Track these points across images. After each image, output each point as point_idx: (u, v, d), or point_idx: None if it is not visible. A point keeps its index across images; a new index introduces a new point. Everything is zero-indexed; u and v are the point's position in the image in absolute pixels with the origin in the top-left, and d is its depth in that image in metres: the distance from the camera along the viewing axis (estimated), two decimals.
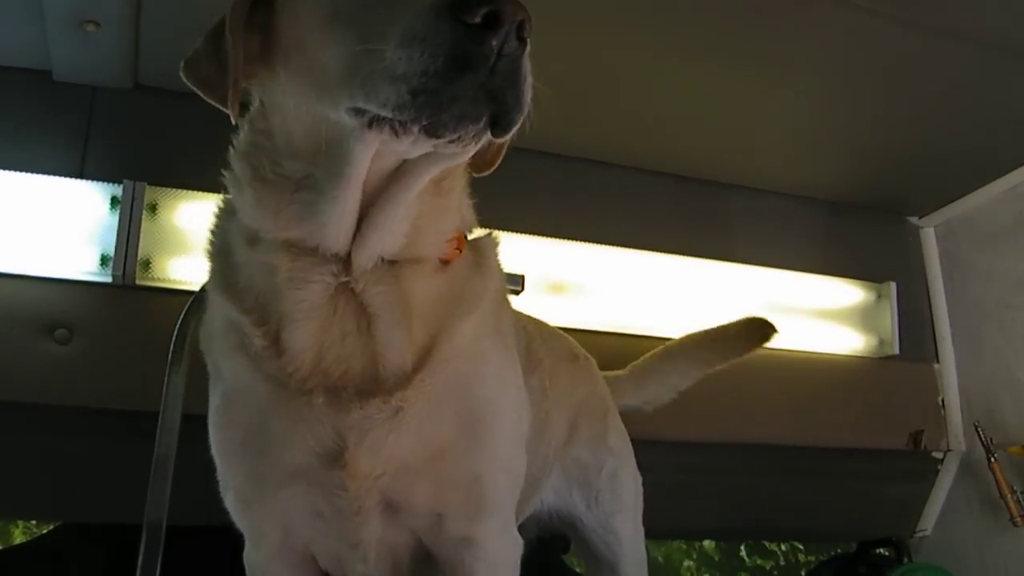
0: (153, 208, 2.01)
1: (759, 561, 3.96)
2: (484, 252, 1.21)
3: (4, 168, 1.93)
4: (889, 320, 2.76)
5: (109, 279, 1.96)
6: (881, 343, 2.76)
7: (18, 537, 3.23)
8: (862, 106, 2.29)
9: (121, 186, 1.98)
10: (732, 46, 2.00)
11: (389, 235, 1.04)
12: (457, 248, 1.13)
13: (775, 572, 3.94)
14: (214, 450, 1.19)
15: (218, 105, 1.05)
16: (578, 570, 2.39)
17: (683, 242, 2.55)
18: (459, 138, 0.86)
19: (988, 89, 2.19)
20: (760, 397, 2.54)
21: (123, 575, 1.74)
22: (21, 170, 1.93)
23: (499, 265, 1.24)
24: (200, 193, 2.06)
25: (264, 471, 1.11)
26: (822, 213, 2.82)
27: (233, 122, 1.05)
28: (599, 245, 2.43)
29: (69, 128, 2.03)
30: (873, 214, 2.90)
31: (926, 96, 2.24)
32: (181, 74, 1.09)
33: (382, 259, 1.05)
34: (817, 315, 2.71)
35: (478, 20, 0.78)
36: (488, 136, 0.87)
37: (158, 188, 2.02)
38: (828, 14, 1.89)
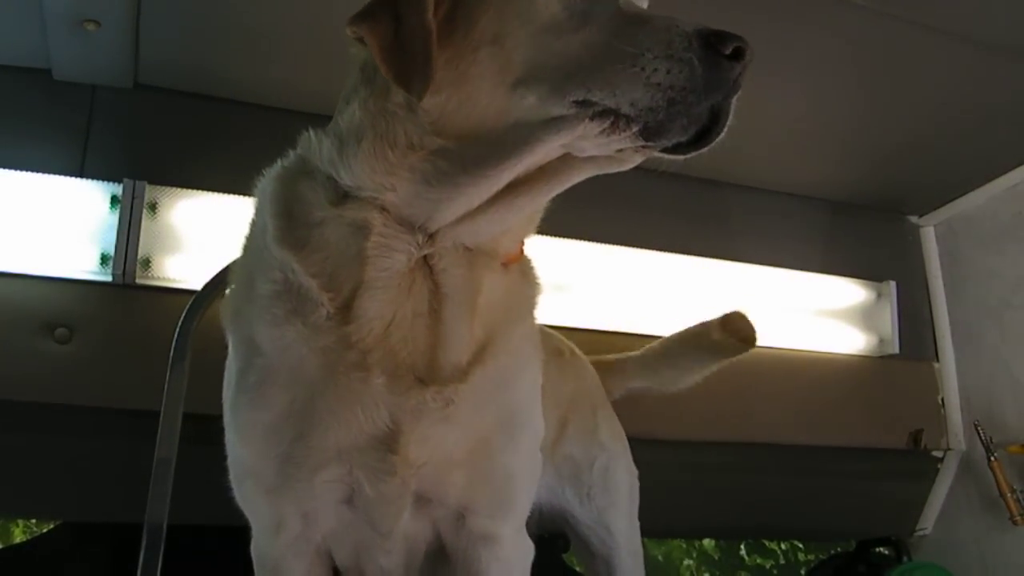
0: (153, 207, 2.01)
1: (759, 560, 3.96)
2: (528, 260, 1.25)
3: (4, 167, 1.93)
4: (889, 319, 2.76)
5: (109, 278, 1.96)
6: (881, 342, 2.76)
7: (18, 536, 3.23)
8: (862, 106, 2.29)
9: (121, 185, 1.98)
10: None
11: (498, 224, 1.08)
12: (517, 254, 1.19)
13: (775, 571, 3.94)
14: (235, 434, 1.15)
15: (393, 80, 0.99)
16: (578, 569, 2.39)
17: (683, 241, 2.55)
18: (666, 146, 0.97)
19: (988, 89, 2.19)
20: (760, 397, 2.54)
21: (123, 575, 1.74)
22: (21, 169, 1.93)
23: (537, 274, 1.27)
24: (200, 192, 2.06)
25: (300, 454, 1.08)
26: (822, 212, 2.83)
27: (418, 101, 0.99)
28: (599, 244, 2.43)
29: (69, 127, 2.03)
30: (873, 213, 2.90)
31: (926, 96, 2.24)
32: (351, 30, 1.02)
33: (462, 244, 1.08)
34: (817, 314, 2.71)
35: (728, 52, 0.93)
36: (654, 152, 1.00)
37: (158, 187, 2.01)
38: (828, 13, 1.89)
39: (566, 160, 1.04)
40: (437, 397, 1.07)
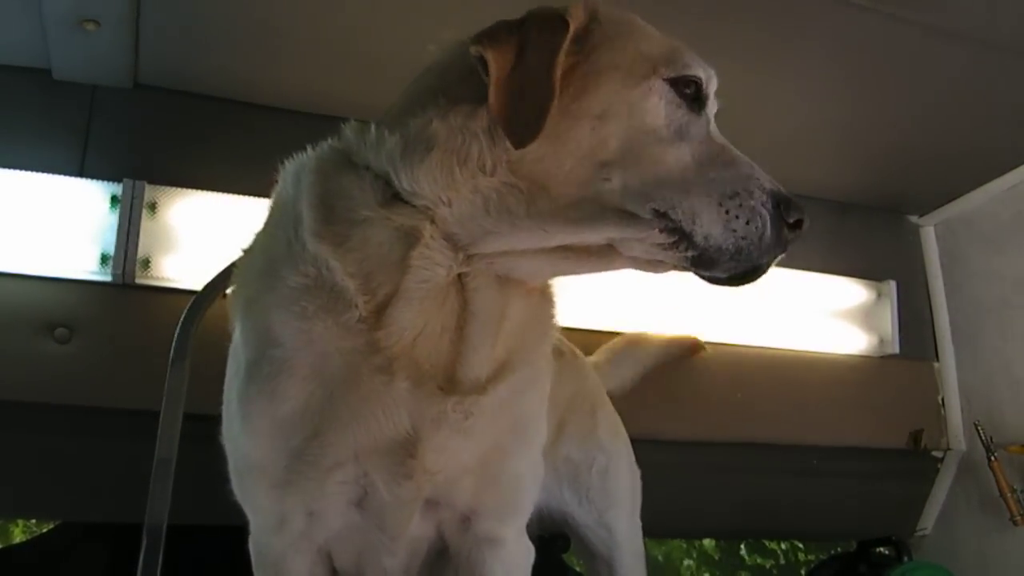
0: (153, 207, 2.01)
1: (759, 560, 3.97)
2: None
3: (4, 167, 1.93)
4: (889, 319, 2.76)
5: (109, 278, 1.96)
6: (881, 342, 2.76)
7: (18, 536, 3.23)
8: (862, 106, 2.29)
9: (121, 185, 1.98)
10: (732, 46, 2.00)
11: (530, 272, 1.11)
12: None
13: (775, 571, 3.94)
14: (243, 424, 1.12)
15: (495, 114, 0.99)
16: (578, 569, 2.39)
17: None
18: (704, 276, 1.05)
19: (988, 89, 2.19)
20: (760, 397, 2.54)
21: (123, 575, 1.74)
22: (21, 169, 1.93)
23: (555, 291, 1.28)
24: (200, 192, 2.06)
25: (314, 451, 1.08)
26: (823, 212, 2.82)
27: (515, 149, 0.99)
28: None
29: (69, 127, 2.03)
30: (873, 213, 2.90)
31: (926, 96, 2.24)
32: (475, 49, 1.00)
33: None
34: (817, 314, 2.71)
35: (792, 221, 1.03)
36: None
37: (158, 187, 2.01)
38: (829, 13, 1.89)
39: (612, 248, 1.06)
40: (457, 408, 1.08)
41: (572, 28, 1.02)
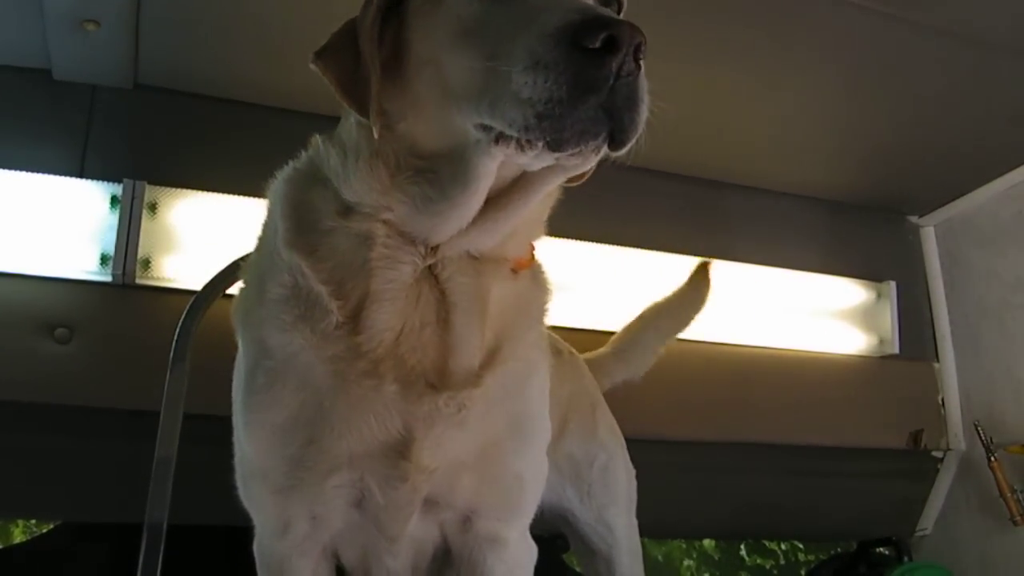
0: (153, 207, 2.01)
1: (759, 560, 3.96)
2: (539, 265, 1.24)
3: (4, 167, 1.93)
4: (889, 319, 2.76)
5: (109, 278, 1.96)
6: (881, 342, 2.77)
7: (18, 537, 3.23)
8: (862, 106, 2.29)
9: (121, 185, 1.99)
10: (732, 46, 2.00)
11: (492, 236, 1.07)
12: (528, 259, 1.18)
13: (775, 571, 3.94)
14: (245, 432, 1.14)
15: (354, 110, 1.01)
16: (578, 569, 2.39)
17: (683, 241, 2.55)
18: (580, 152, 0.89)
19: (988, 89, 2.19)
20: (760, 397, 2.54)
21: (123, 575, 1.74)
22: (21, 169, 1.93)
23: (548, 279, 1.26)
24: (200, 192, 2.06)
25: (311, 458, 1.08)
26: (822, 212, 2.83)
27: (376, 135, 0.99)
28: (599, 244, 2.43)
29: (69, 127, 2.04)
30: (873, 213, 2.90)
31: (926, 96, 2.24)
32: (313, 66, 1.02)
33: (467, 252, 1.08)
34: (817, 314, 2.71)
35: (597, 45, 0.81)
36: (606, 150, 0.90)
37: (158, 187, 2.02)
38: (828, 14, 1.89)
39: (524, 173, 1.02)
40: (450, 403, 1.07)
41: (375, 2, 1.01)
